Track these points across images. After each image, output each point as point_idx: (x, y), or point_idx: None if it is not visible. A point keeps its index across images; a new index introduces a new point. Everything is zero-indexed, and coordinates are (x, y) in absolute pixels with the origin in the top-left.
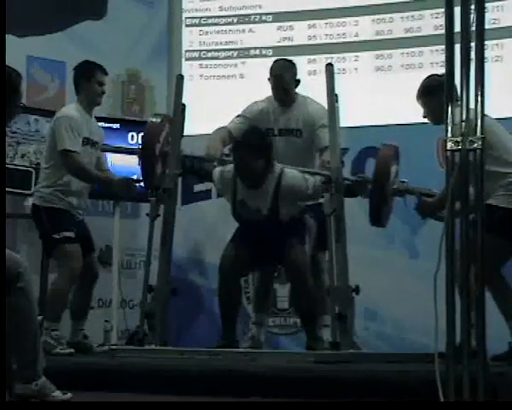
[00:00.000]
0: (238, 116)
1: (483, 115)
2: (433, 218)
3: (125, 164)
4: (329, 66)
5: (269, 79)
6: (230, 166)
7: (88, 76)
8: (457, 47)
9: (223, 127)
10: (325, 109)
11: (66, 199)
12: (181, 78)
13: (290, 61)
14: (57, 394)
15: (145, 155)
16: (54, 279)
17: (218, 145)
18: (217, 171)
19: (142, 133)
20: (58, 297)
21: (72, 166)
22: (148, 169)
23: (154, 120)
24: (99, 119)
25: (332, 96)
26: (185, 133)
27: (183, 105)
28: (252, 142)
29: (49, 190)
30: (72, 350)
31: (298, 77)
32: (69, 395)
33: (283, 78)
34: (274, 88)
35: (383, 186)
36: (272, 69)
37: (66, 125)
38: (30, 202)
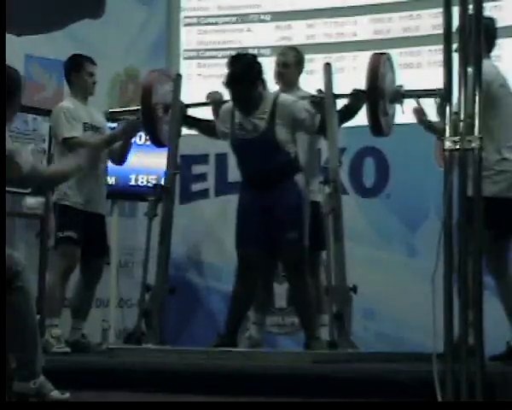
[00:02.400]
0: None
1: (480, 115)
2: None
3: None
4: (327, 65)
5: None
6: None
7: (78, 69)
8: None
9: None
10: None
11: (81, 194)
12: (179, 77)
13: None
14: (55, 393)
15: (142, 106)
16: (48, 276)
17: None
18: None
19: (140, 132)
20: (51, 293)
21: (76, 149)
22: (147, 119)
23: (148, 75)
24: None
25: (330, 96)
26: (184, 132)
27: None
28: (241, 76)
29: (65, 185)
30: (68, 349)
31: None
32: (67, 394)
33: (286, 54)
34: (276, 64)
35: (376, 87)
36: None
37: (61, 115)
38: (27, 201)
